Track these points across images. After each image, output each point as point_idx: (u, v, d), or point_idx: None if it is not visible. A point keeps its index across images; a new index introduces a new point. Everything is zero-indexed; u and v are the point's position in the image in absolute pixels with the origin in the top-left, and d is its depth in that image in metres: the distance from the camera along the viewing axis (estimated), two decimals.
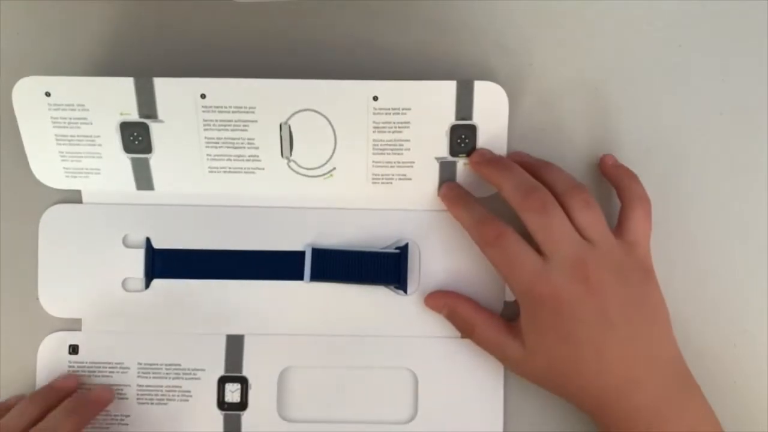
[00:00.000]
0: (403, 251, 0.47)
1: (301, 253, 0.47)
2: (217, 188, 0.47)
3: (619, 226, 0.45)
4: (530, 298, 0.43)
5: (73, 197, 0.48)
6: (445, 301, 0.46)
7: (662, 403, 0.42)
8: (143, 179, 0.47)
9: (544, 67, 0.48)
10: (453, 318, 0.46)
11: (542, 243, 0.43)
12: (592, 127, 0.49)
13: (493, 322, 0.45)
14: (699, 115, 0.49)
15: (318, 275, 0.47)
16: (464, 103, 0.46)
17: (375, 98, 0.46)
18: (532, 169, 0.46)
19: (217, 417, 0.47)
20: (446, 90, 0.46)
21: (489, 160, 0.46)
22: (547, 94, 0.49)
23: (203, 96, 0.45)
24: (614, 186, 0.46)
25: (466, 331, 0.46)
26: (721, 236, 0.49)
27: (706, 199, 0.49)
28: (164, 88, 0.45)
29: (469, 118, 0.46)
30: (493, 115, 0.46)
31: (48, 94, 0.45)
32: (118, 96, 0.45)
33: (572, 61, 0.49)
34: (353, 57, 0.48)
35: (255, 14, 0.48)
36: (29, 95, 0.45)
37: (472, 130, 0.46)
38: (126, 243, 0.47)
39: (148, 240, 0.47)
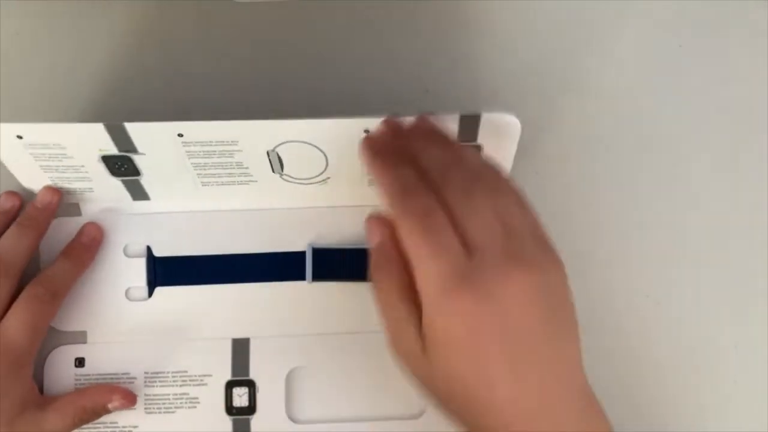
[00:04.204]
0: None
1: (302, 254, 0.47)
2: (212, 200, 0.47)
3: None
4: (446, 300, 0.35)
5: (72, 210, 0.48)
6: (383, 232, 0.39)
7: (574, 424, 0.36)
8: (138, 193, 0.47)
9: (542, 68, 0.49)
10: (378, 255, 0.39)
11: (467, 230, 0.36)
12: (590, 128, 0.49)
13: (411, 292, 0.37)
14: (699, 115, 0.49)
15: (320, 275, 0.47)
16: (468, 131, 0.43)
17: (366, 131, 0.42)
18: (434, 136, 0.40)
19: (226, 422, 0.46)
20: (447, 125, 0.42)
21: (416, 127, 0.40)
22: (544, 94, 0.49)
23: (180, 135, 0.42)
24: None
25: (379, 279, 0.39)
26: (721, 236, 0.48)
27: (706, 198, 0.49)
28: (137, 131, 0.42)
29: (474, 140, 0.43)
30: (502, 141, 0.43)
31: (20, 137, 0.43)
32: (92, 138, 0.43)
33: (571, 61, 0.49)
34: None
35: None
36: (4, 138, 0.43)
37: (477, 148, 0.44)
38: (127, 253, 0.47)
39: (148, 248, 0.47)
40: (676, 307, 0.48)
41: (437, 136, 0.40)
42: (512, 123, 0.42)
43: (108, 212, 0.48)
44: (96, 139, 0.42)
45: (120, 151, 0.43)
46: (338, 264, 0.47)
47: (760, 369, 0.48)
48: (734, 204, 0.49)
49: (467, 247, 0.36)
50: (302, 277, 0.47)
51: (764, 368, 0.48)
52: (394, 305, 0.38)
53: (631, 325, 0.47)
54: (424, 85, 0.49)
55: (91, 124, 0.42)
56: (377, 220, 0.40)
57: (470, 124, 0.42)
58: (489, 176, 0.38)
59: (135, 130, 0.42)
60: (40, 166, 0.45)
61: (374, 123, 0.41)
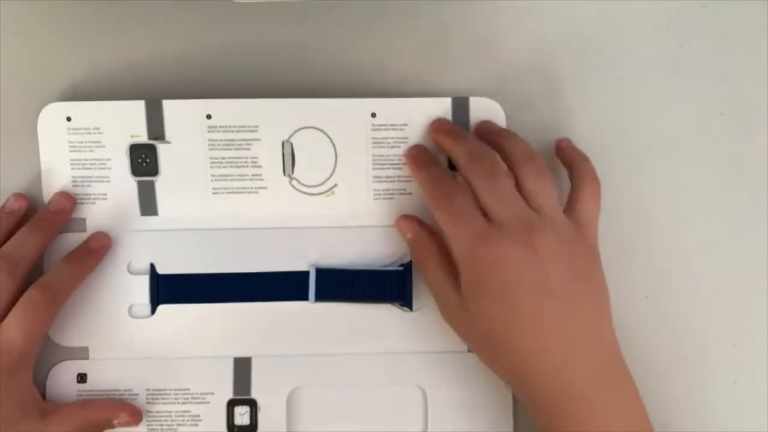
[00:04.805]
0: (407, 268, 0.47)
1: (305, 274, 0.47)
2: (221, 209, 0.47)
3: (568, 205, 0.45)
4: (472, 259, 0.42)
5: (78, 226, 0.48)
6: (413, 227, 0.46)
7: (596, 382, 0.41)
8: (148, 204, 0.47)
9: (543, 67, 0.49)
10: (414, 244, 0.46)
11: (489, 206, 0.43)
12: (591, 127, 0.49)
13: (447, 263, 0.44)
14: (699, 115, 0.49)
15: (322, 295, 0.47)
16: (460, 118, 0.47)
17: (373, 115, 0.47)
18: (495, 138, 0.46)
19: None
20: (441, 106, 0.47)
21: (447, 129, 0.46)
22: (546, 94, 0.49)
23: (209, 116, 0.46)
24: (566, 166, 0.46)
25: (420, 261, 0.46)
26: (720, 236, 0.49)
27: (706, 198, 0.49)
28: (172, 109, 0.47)
29: (467, 122, 0.47)
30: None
31: (69, 119, 0.47)
32: (130, 118, 0.47)
33: (572, 61, 0.49)
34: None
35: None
36: (53, 121, 0.47)
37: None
38: (130, 269, 0.48)
39: (152, 266, 0.47)
40: (676, 307, 0.48)
41: (465, 135, 0.46)
42: (495, 107, 0.48)
43: (113, 229, 0.48)
44: (132, 120, 0.47)
45: (150, 137, 0.47)
46: (341, 284, 0.47)
47: (759, 369, 0.48)
48: (734, 204, 0.49)
49: (490, 219, 0.42)
50: (305, 297, 0.47)
51: (764, 368, 0.48)
52: (434, 274, 0.45)
53: (631, 325, 0.47)
54: (423, 86, 0.49)
55: (134, 101, 0.47)
56: (404, 219, 0.47)
57: (461, 106, 0.47)
58: (523, 160, 0.44)
59: (170, 106, 0.47)
60: (71, 160, 0.47)
61: (382, 104, 0.47)
